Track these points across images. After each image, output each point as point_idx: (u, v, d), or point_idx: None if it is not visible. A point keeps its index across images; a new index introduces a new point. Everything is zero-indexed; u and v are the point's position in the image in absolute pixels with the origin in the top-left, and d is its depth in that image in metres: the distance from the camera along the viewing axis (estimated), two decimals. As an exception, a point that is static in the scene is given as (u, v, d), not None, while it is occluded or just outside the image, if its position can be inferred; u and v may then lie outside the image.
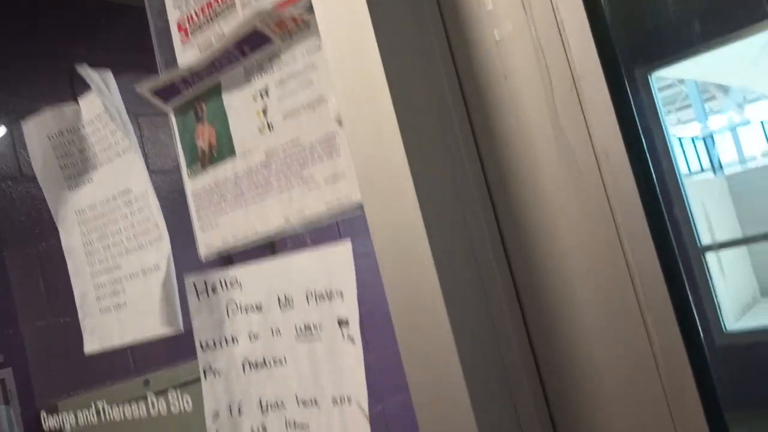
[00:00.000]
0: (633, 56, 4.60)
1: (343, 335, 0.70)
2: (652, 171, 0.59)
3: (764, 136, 9.63)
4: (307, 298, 0.73)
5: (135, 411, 0.93)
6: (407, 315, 0.56)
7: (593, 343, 0.57)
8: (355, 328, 0.69)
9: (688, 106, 10.84)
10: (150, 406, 0.91)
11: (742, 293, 6.65)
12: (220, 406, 0.80)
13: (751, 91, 10.70)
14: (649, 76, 4.44)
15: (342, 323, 0.70)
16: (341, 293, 0.70)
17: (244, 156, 0.79)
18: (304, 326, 0.74)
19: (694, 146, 9.44)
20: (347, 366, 0.69)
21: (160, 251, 0.89)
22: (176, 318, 0.86)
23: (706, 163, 8.87)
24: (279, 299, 0.76)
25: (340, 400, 0.70)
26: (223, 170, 0.81)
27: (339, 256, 0.70)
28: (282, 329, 0.76)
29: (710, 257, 4.32)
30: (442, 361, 0.54)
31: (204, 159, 0.83)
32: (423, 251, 0.55)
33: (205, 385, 0.81)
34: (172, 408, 0.89)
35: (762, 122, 10.11)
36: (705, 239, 4.42)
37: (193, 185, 0.85)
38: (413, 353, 0.56)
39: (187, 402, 0.89)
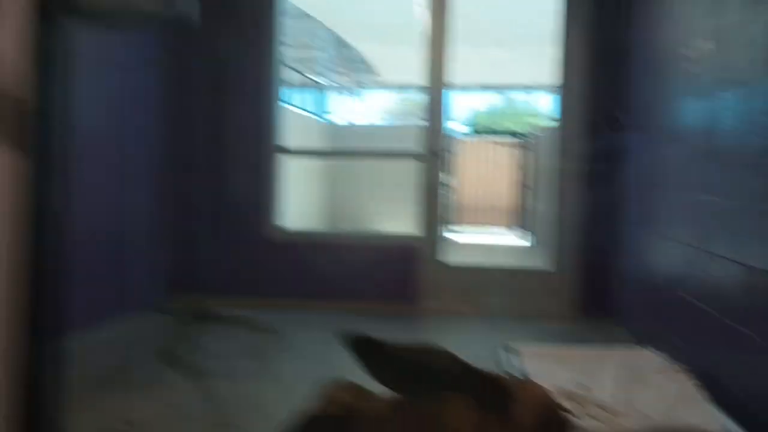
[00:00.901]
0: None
1: None
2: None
3: (366, 104, 11.20)
4: None
5: None
6: None
7: None
8: None
9: (319, 71, 11.59)
10: None
11: (307, 202, 7.51)
12: None
13: (371, 72, 11.98)
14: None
15: None
16: None
17: None
18: None
19: (314, 95, 10.36)
20: None
21: None
22: None
23: (316, 110, 10.03)
24: None
25: None
26: None
27: None
28: None
29: (283, 160, 4.53)
30: None
31: None
32: None
33: None
34: None
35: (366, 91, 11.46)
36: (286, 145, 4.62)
37: None
38: None
39: None
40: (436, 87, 4.34)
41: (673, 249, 2.98)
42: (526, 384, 1.42)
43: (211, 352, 3.27)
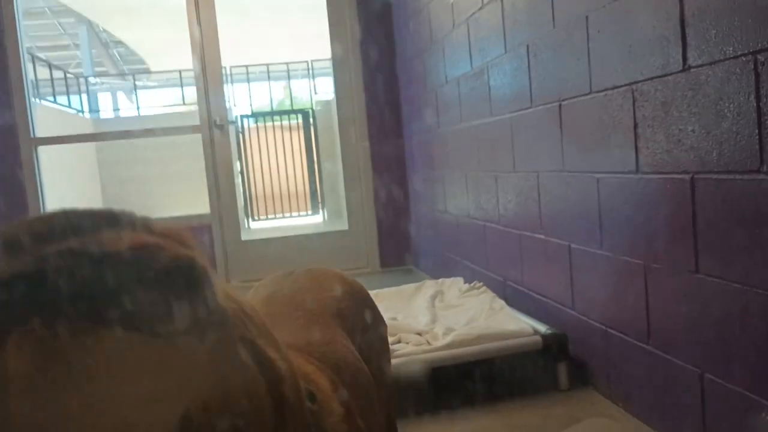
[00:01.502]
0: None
1: None
2: None
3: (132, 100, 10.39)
4: None
5: None
6: None
7: None
8: None
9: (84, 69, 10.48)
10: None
11: (85, 199, 6.78)
12: None
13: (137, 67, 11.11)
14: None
15: None
16: None
17: None
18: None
19: (82, 94, 9.34)
20: None
21: None
22: None
23: (84, 107, 9.06)
24: None
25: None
26: None
27: None
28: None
29: (41, 150, 3.95)
30: None
31: None
32: None
33: None
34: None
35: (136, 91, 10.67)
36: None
37: None
38: None
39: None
40: (210, 65, 4.02)
41: (459, 180, 3.02)
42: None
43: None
